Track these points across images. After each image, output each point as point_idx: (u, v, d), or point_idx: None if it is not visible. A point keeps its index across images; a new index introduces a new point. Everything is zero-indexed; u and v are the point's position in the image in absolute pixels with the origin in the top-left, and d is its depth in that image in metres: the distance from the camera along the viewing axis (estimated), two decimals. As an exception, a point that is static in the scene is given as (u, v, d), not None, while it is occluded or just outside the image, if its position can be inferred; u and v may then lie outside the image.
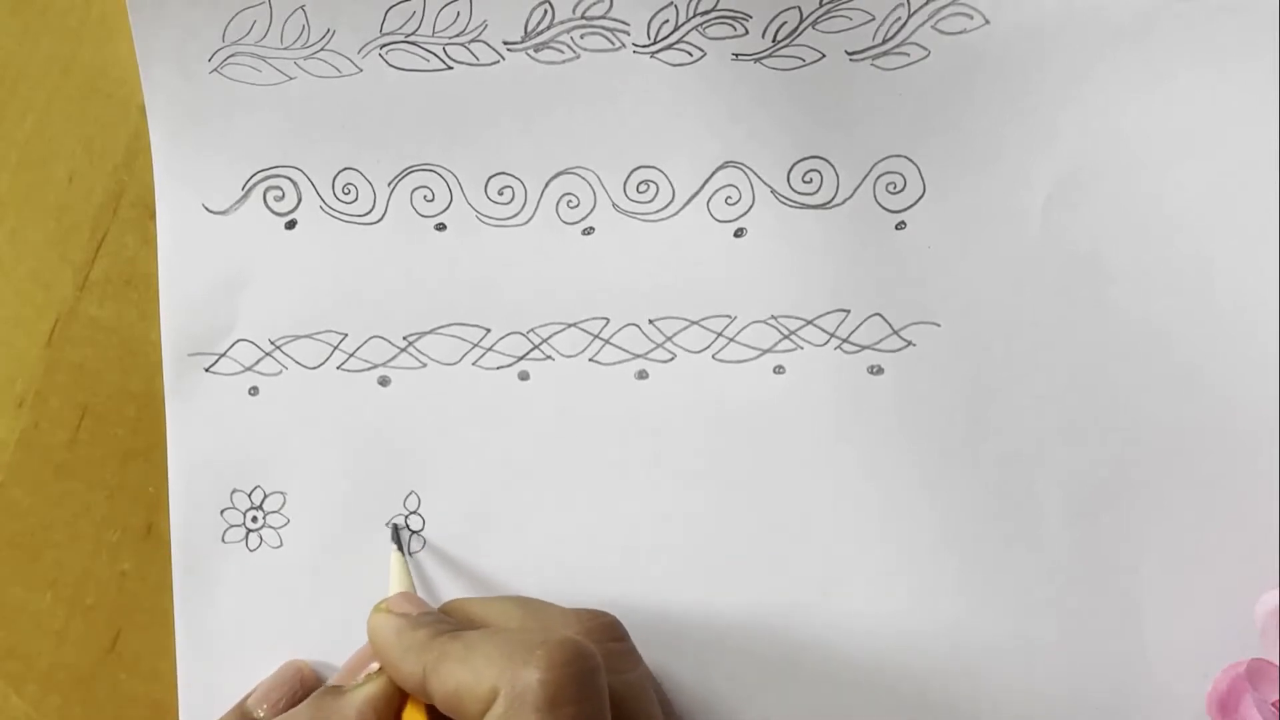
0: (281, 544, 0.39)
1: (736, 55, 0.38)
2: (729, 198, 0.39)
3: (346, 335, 0.40)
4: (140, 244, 0.40)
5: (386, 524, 0.39)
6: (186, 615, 0.39)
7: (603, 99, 0.39)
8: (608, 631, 0.35)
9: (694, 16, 0.38)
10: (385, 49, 0.39)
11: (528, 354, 0.39)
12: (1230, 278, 0.37)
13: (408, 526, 0.39)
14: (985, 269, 0.38)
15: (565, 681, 0.30)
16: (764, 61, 0.38)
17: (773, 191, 0.39)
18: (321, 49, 0.39)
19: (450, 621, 0.34)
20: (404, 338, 0.40)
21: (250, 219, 0.40)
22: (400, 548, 0.39)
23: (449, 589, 0.39)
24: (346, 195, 0.40)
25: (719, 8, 0.38)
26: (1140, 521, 0.38)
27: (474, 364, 0.39)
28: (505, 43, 0.39)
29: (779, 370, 0.39)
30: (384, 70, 0.39)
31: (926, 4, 0.38)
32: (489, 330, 0.39)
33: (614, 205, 0.39)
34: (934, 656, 0.38)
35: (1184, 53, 0.37)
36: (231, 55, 0.39)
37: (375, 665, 0.35)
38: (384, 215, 0.40)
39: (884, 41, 0.38)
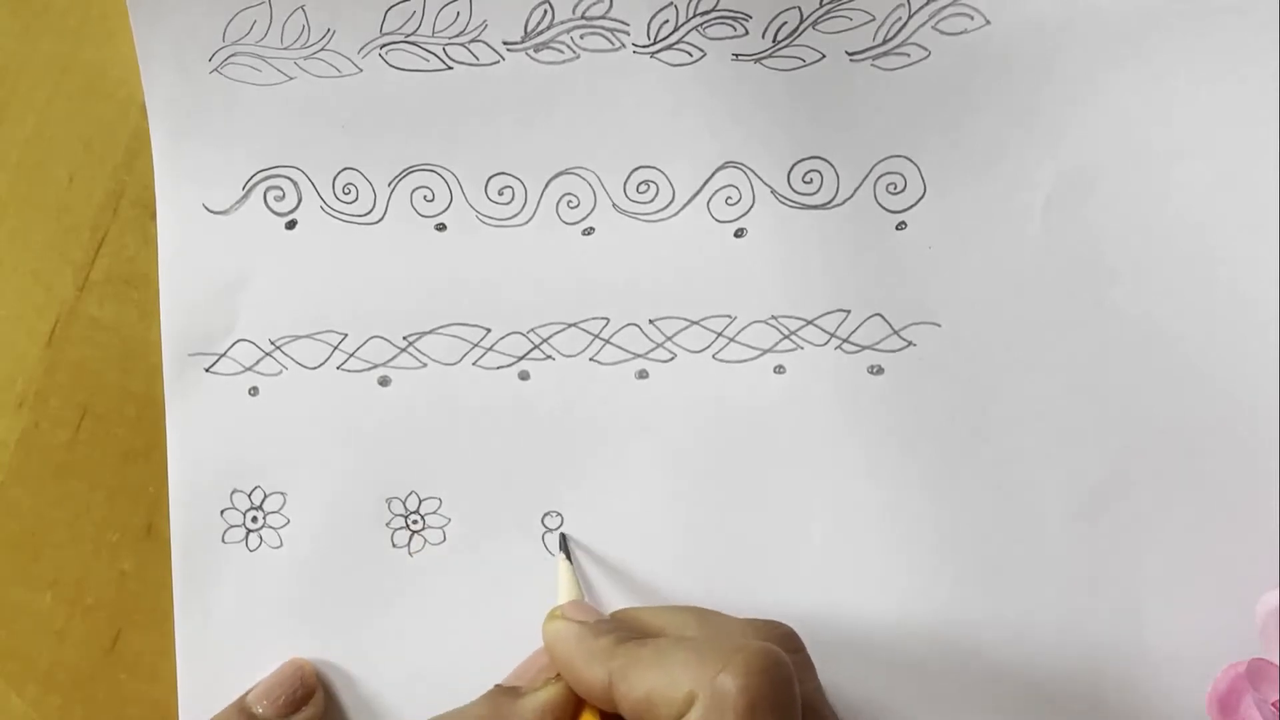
0: (281, 544, 0.39)
1: (736, 55, 0.38)
2: (729, 198, 0.39)
3: (346, 335, 0.40)
4: (140, 244, 0.40)
5: (555, 533, 0.39)
6: (186, 615, 0.39)
7: (603, 99, 0.39)
8: (787, 642, 0.34)
9: (694, 16, 0.38)
10: (385, 49, 0.39)
11: (528, 354, 0.39)
12: (1231, 277, 0.37)
13: (542, 524, 0.39)
14: (985, 269, 0.38)
15: (764, 689, 0.29)
16: (764, 62, 0.38)
17: (773, 191, 0.39)
18: (321, 49, 0.39)
19: (629, 629, 0.34)
20: (404, 338, 0.40)
21: (250, 219, 0.40)
22: (569, 555, 0.38)
23: (449, 588, 0.39)
24: (346, 195, 0.40)
25: (719, 8, 0.38)
26: (1140, 521, 0.38)
27: (474, 364, 0.39)
28: (505, 43, 0.39)
29: (779, 370, 0.39)
30: (384, 70, 0.39)
31: (927, 4, 0.38)
32: (489, 330, 0.39)
33: (614, 205, 0.39)
34: (933, 656, 0.38)
35: (1185, 53, 0.37)
36: (231, 55, 0.39)
37: (551, 672, 0.35)
38: (384, 215, 0.40)
39: (884, 42, 0.38)
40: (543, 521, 0.39)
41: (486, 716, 0.33)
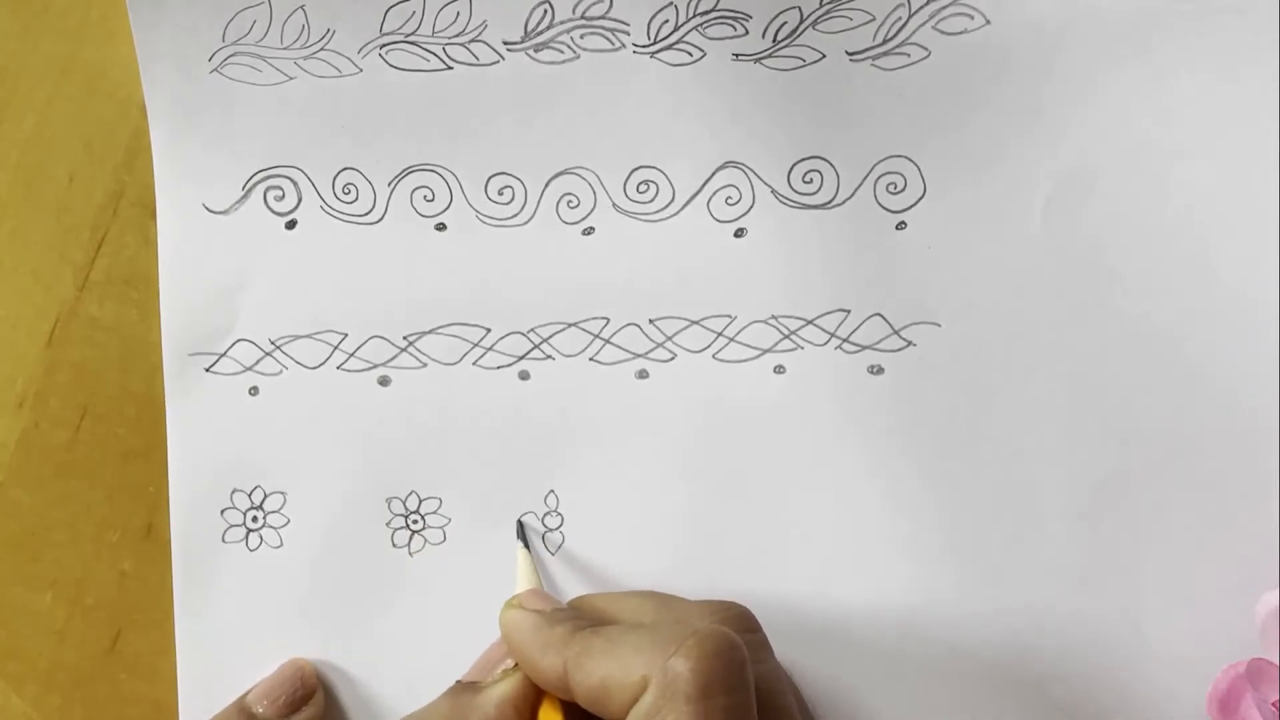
0: (281, 544, 0.39)
1: (737, 55, 0.38)
2: (729, 198, 0.39)
3: (346, 335, 0.40)
4: (140, 244, 0.40)
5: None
6: (186, 615, 0.39)
7: (603, 99, 0.39)
8: (742, 622, 0.34)
9: (694, 16, 0.38)
10: (385, 49, 0.39)
11: (528, 354, 0.39)
12: (1231, 278, 0.37)
13: (542, 524, 0.39)
14: (985, 269, 0.38)
15: (717, 671, 0.29)
16: (764, 62, 0.38)
17: (773, 191, 0.39)
18: (321, 49, 0.39)
19: (585, 617, 0.34)
20: (404, 338, 0.40)
21: (250, 219, 0.40)
22: (526, 544, 0.38)
23: (449, 588, 0.39)
24: (346, 195, 0.40)
25: (719, 8, 0.38)
26: (1140, 521, 0.38)
27: (474, 364, 0.39)
28: (505, 43, 0.39)
29: (779, 370, 0.39)
30: (384, 70, 0.39)
31: (927, 4, 0.38)
32: (489, 330, 0.39)
33: (614, 205, 0.39)
34: (933, 657, 0.38)
35: (1185, 53, 0.37)
36: (231, 55, 0.39)
37: (509, 662, 0.34)
38: (384, 215, 0.40)
39: (884, 42, 0.38)
40: (543, 521, 0.39)
41: (448, 713, 0.33)
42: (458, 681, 0.35)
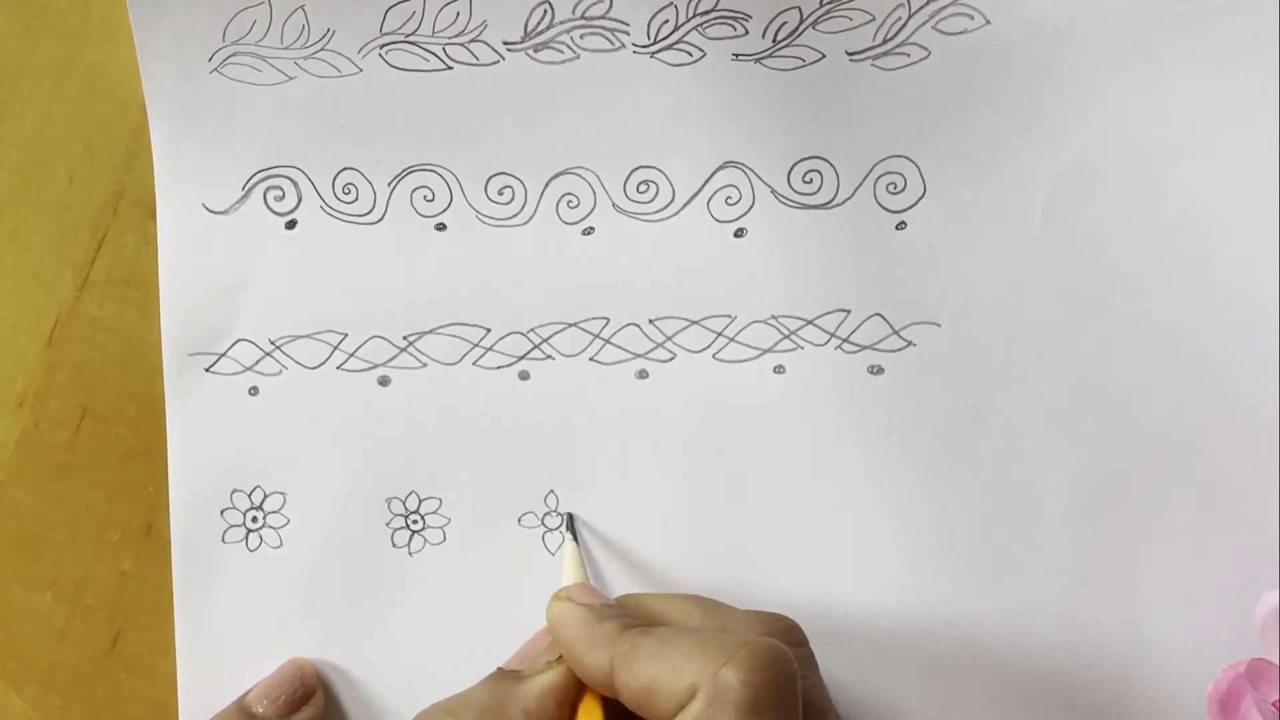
0: (281, 544, 0.39)
1: (736, 55, 0.38)
2: (729, 198, 0.39)
3: (346, 335, 0.40)
4: (140, 244, 0.40)
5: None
6: (186, 615, 0.39)
7: (603, 99, 0.39)
8: (790, 635, 0.34)
9: (694, 16, 0.38)
10: (385, 49, 0.39)
11: (528, 354, 0.39)
12: (1231, 278, 0.37)
13: (542, 524, 0.39)
14: (985, 269, 0.38)
15: (767, 684, 0.29)
16: (764, 62, 0.38)
17: (773, 191, 0.39)
18: (321, 49, 0.39)
19: (634, 616, 0.34)
20: (404, 338, 0.40)
21: (250, 219, 0.40)
22: (575, 537, 0.38)
23: (449, 587, 0.39)
24: (346, 195, 0.40)
25: (719, 8, 0.38)
26: (1140, 521, 0.38)
27: (474, 364, 0.39)
28: (505, 43, 0.39)
29: (779, 370, 0.39)
30: (384, 70, 0.39)
31: (927, 4, 0.38)
32: (489, 330, 0.39)
33: (614, 205, 0.39)
34: (933, 656, 0.38)
35: (1185, 53, 0.37)
36: (231, 55, 0.39)
37: (553, 653, 0.34)
38: (384, 215, 0.40)
39: (884, 42, 0.38)
40: (543, 521, 0.39)
41: (489, 700, 0.33)
42: (499, 669, 0.35)
